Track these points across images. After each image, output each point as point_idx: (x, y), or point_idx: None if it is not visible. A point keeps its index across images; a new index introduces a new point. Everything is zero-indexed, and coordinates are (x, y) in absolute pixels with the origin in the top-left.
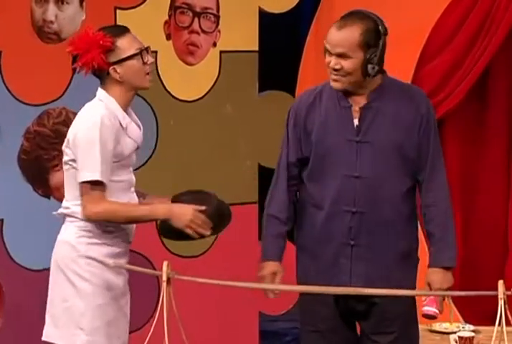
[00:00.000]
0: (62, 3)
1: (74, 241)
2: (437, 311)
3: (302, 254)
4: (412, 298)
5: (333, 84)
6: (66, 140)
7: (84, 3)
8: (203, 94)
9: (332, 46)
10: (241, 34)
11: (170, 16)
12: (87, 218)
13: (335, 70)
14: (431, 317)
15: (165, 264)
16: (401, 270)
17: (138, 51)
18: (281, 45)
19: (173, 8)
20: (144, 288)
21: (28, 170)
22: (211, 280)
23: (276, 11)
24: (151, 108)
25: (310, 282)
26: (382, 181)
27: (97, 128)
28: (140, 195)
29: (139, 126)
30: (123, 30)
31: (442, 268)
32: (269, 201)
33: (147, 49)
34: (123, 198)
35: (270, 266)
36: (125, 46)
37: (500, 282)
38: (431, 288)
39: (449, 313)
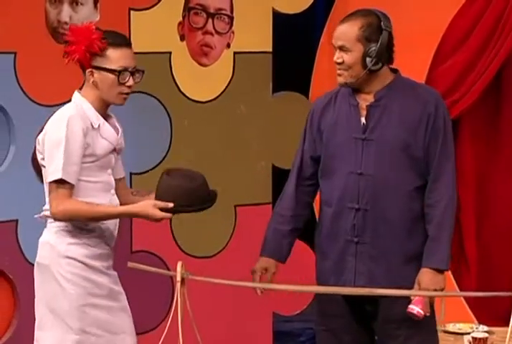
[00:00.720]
0: (77, 4)
1: (54, 242)
2: (422, 311)
3: (316, 252)
4: None
5: (338, 80)
6: (37, 142)
7: (98, 5)
8: (217, 95)
9: (334, 39)
10: (255, 35)
11: (184, 17)
12: (53, 217)
13: (339, 64)
14: (414, 317)
15: (179, 264)
16: (405, 270)
17: (119, 68)
18: (295, 46)
19: (187, 9)
20: (158, 288)
21: (41, 171)
22: (225, 280)
23: (290, 12)
24: (165, 109)
25: (322, 280)
26: (385, 179)
27: (64, 129)
28: (136, 193)
29: (117, 129)
30: (123, 43)
31: (431, 269)
32: (279, 199)
33: (134, 71)
34: (103, 199)
35: (262, 262)
36: (112, 57)
37: None
38: (419, 288)
39: (463, 313)
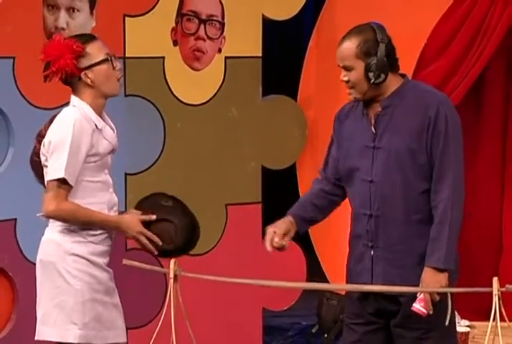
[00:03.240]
0: (73, 11)
1: (59, 240)
2: (424, 310)
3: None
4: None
5: (350, 97)
6: (42, 144)
7: (94, 11)
8: (208, 98)
9: (338, 60)
10: (245, 40)
11: (177, 23)
12: (46, 215)
13: (346, 82)
14: (417, 315)
15: (172, 261)
16: (420, 270)
17: (107, 56)
18: (284, 51)
19: (180, 15)
20: (152, 285)
21: (40, 172)
22: (217, 277)
23: (279, 19)
24: (159, 112)
25: (348, 279)
26: (393, 185)
27: (70, 131)
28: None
29: (113, 129)
30: (92, 37)
31: (432, 268)
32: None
33: (113, 55)
34: (103, 197)
35: (279, 221)
36: (94, 51)
37: (495, 279)
38: (422, 287)
39: None
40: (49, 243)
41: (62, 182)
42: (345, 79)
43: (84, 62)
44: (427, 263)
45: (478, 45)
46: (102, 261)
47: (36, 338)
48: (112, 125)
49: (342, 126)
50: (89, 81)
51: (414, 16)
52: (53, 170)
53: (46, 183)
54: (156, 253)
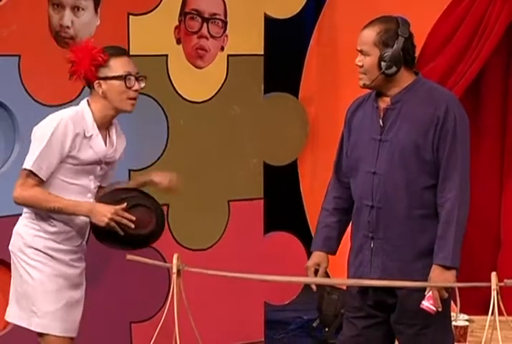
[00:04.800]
0: (78, 9)
1: (22, 232)
2: (433, 308)
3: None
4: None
5: (359, 83)
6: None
7: (99, 10)
8: (211, 95)
9: (357, 44)
10: (247, 38)
11: (180, 21)
12: (14, 201)
13: (359, 67)
14: (426, 312)
15: (175, 256)
16: (417, 264)
17: (124, 74)
18: (285, 49)
19: (183, 14)
20: (156, 279)
21: None
22: (219, 272)
23: (281, 17)
24: (162, 109)
25: (348, 271)
26: (395, 178)
27: (52, 128)
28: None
29: (112, 145)
30: (121, 52)
31: (439, 266)
32: (325, 195)
33: (138, 76)
34: (78, 200)
35: (314, 257)
36: (116, 66)
37: (493, 274)
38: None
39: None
40: (14, 234)
41: (33, 173)
42: (360, 64)
43: (103, 73)
44: (434, 261)
45: (477, 43)
46: (67, 257)
47: (5, 318)
48: (115, 142)
49: (352, 118)
50: (100, 91)
51: (413, 15)
52: (26, 160)
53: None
54: (123, 234)
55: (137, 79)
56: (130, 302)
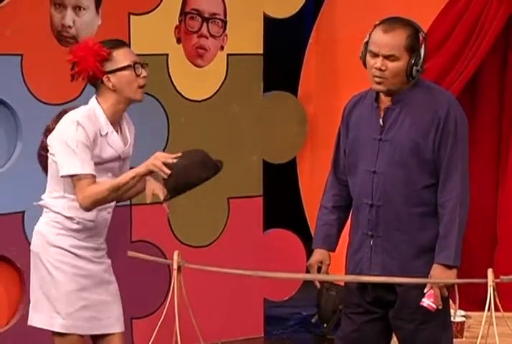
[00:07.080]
0: (80, 9)
1: (44, 231)
2: (434, 305)
3: (349, 241)
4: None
5: (375, 87)
6: (48, 140)
7: (100, 10)
8: (211, 94)
9: (380, 47)
10: (247, 38)
11: (180, 21)
12: (84, 208)
13: (381, 71)
14: (426, 310)
15: (176, 253)
16: (417, 262)
17: (131, 63)
18: (284, 48)
19: (184, 13)
20: (157, 276)
21: (47, 166)
22: (219, 268)
23: (280, 17)
24: (163, 107)
25: (347, 267)
26: (395, 178)
27: (73, 128)
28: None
29: (126, 140)
30: (121, 43)
31: (440, 265)
32: (323, 192)
33: (142, 64)
34: None
35: (316, 254)
36: (120, 57)
37: (490, 271)
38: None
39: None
40: (36, 234)
41: (78, 175)
42: (383, 68)
43: (109, 66)
44: (436, 259)
45: (474, 43)
46: (90, 254)
47: (28, 324)
48: (128, 137)
49: (350, 115)
50: (110, 85)
51: (411, 14)
52: (65, 169)
53: (49, 174)
54: (170, 161)
55: (142, 66)
56: (131, 298)
